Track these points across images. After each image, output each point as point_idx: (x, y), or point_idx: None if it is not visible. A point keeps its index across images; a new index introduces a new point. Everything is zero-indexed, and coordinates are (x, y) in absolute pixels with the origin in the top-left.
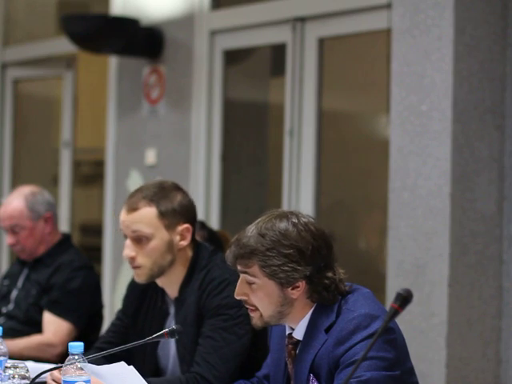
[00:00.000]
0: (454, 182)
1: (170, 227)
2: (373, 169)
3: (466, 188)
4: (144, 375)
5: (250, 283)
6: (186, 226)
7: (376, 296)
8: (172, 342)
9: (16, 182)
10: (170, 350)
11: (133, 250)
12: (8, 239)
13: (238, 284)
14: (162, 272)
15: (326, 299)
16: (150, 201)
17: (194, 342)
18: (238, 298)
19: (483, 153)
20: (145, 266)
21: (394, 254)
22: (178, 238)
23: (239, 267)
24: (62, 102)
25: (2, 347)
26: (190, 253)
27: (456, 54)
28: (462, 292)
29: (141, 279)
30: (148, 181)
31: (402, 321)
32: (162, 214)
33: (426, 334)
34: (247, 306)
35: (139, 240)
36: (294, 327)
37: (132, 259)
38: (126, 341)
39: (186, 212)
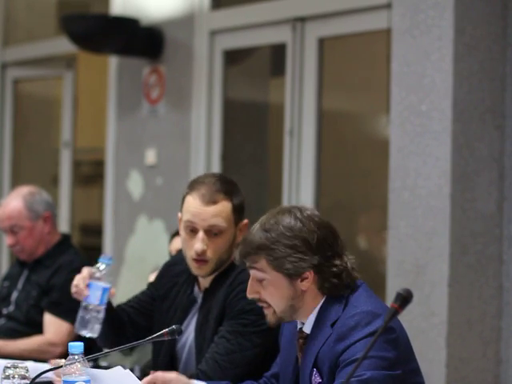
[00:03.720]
0: (454, 181)
1: (236, 222)
2: (373, 169)
3: (465, 188)
4: (159, 362)
5: (260, 280)
6: (246, 221)
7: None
8: (190, 332)
9: (16, 182)
10: (187, 340)
11: (205, 243)
12: (7, 240)
13: (249, 283)
14: (220, 267)
15: (338, 287)
16: (225, 194)
17: (213, 335)
18: (250, 296)
19: (483, 153)
20: (212, 260)
21: (393, 254)
22: (238, 233)
23: (248, 264)
24: (62, 102)
25: (99, 274)
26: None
27: (456, 54)
28: (461, 292)
29: (203, 273)
30: (147, 180)
31: (402, 321)
32: (235, 209)
33: (426, 334)
34: (261, 304)
35: (212, 234)
36: (304, 322)
37: (203, 252)
38: (147, 311)
39: (244, 208)
